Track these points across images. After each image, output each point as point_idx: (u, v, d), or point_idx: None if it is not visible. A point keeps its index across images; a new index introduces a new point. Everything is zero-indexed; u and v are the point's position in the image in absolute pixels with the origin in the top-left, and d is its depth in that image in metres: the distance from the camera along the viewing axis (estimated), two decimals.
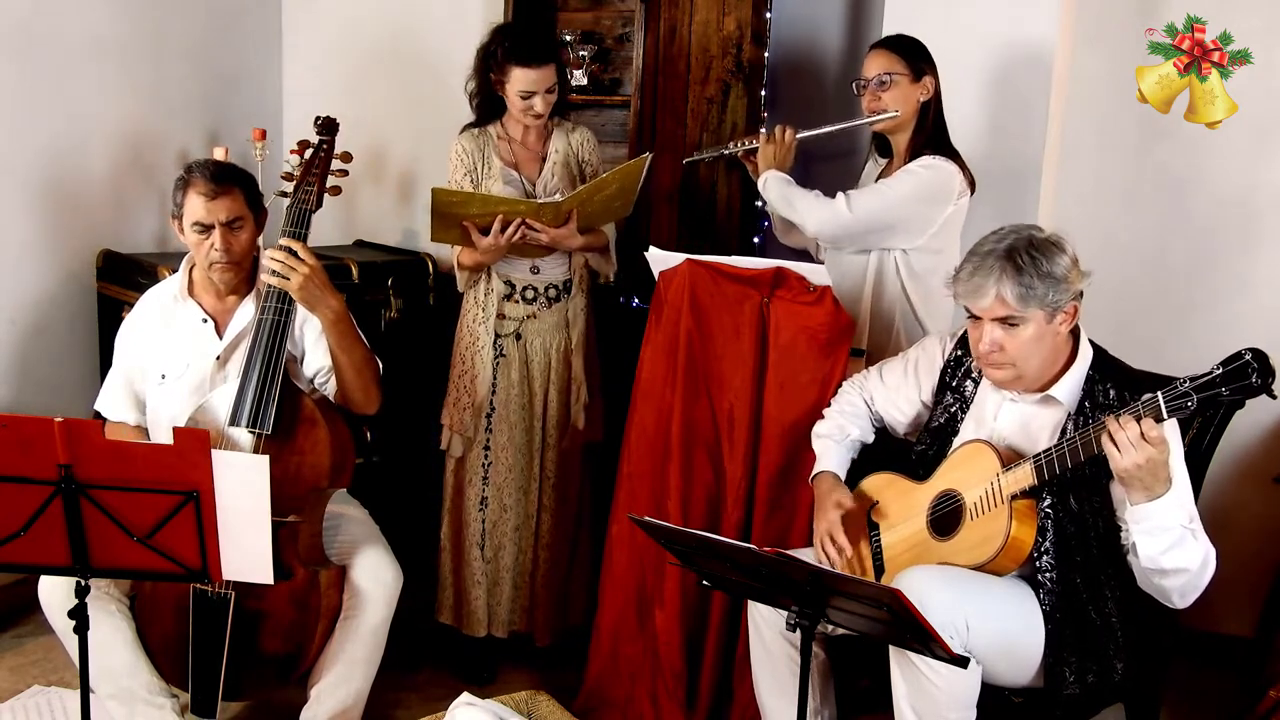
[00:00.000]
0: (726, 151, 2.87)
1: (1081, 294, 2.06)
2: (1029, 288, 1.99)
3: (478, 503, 2.91)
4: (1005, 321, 2.02)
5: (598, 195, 2.74)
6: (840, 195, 2.63)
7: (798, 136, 2.76)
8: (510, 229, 2.68)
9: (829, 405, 2.45)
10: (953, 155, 2.63)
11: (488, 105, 2.89)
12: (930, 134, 2.65)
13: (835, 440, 2.38)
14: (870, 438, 2.41)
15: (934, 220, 2.60)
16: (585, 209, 2.75)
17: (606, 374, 3.03)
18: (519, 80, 2.74)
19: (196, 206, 2.42)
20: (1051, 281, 2.00)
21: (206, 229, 2.42)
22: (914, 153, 2.64)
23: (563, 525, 2.99)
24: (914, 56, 2.64)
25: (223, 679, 2.33)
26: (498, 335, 2.87)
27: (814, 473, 2.38)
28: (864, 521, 2.30)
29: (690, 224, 3.63)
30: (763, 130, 2.82)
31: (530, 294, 2.88)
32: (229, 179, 2.45)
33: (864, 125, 2.73)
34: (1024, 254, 2.00)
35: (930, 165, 2.60)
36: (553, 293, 2.90)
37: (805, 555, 1.74)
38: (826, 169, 3.02)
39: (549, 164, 2.89)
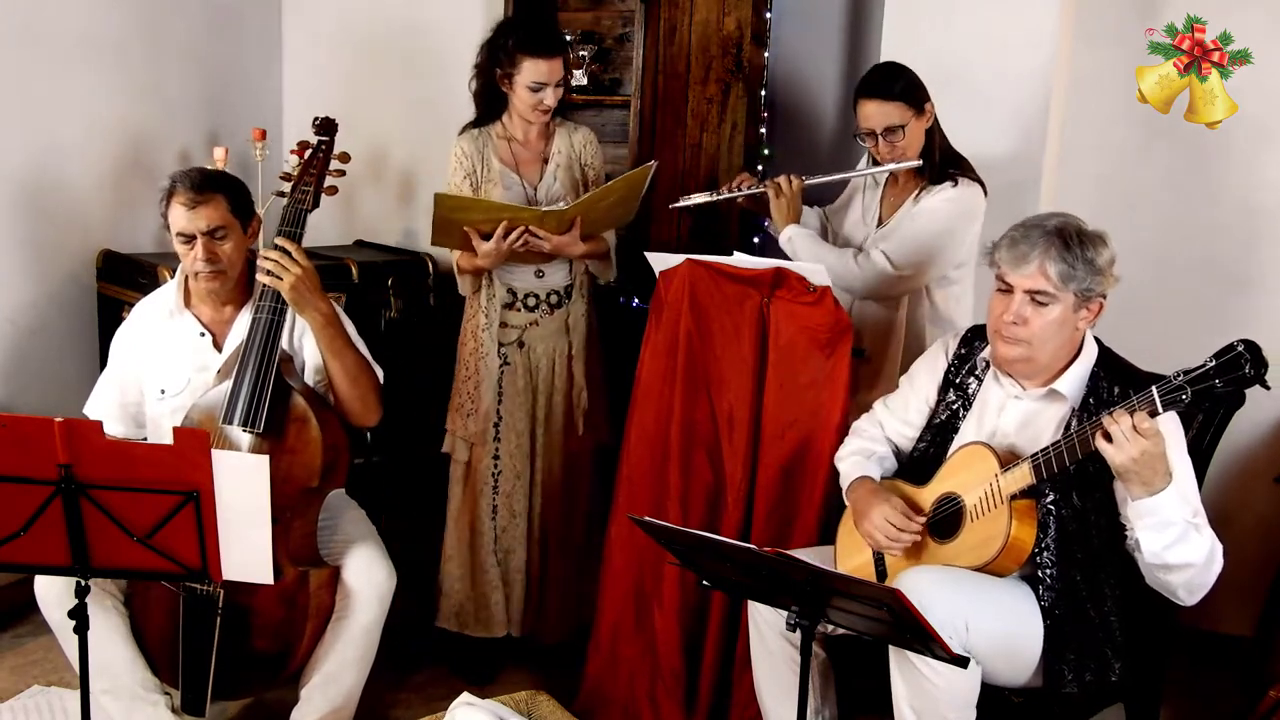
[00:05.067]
0: (722, 197, 2.77)
1: (1105, 296, 2.06)
2: (1072, 267, 2.00)
3: (489, 511, 2.90)
4: (1036, 297, 2.03)
5: (601, 203, 2.73)
6: (875, 252, 2.58)
7: (806, 184, 2.70)
8: (513, 235, 2.67)
9: (844, 445, 2.43)
10: (968, 169, 2.63)
11: (490, 104, 2.86)
12: (941, 154, 2.63)
13: (863, 456, 2.36)
14: (891, 461, 2.38)
15: (967, 241, 2.61)
16: (588, 216, 2.73)
17: (610, 375, 3.02)
18: (530, 72, 2.72)
19: (178, 216, 2.40)
20: (1092, 269, 2.01)
21: (189, 239, 2.41)
22: (933, 177, 2.61)
23: (574, 527, 2.99)
24: (912, 95, 2.57)
25: (212, 677, 2.33)
26: (501, 344, 2.87)
27: (848, 484, 2.33)
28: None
29: (690, 224, 3.63)
30: (768, 180, 2.72)
31: (532, 301, 2.88)
32: (211, 187, 2.42)
33: (879, 172, 2.68)
34: (1073, 234, 2.02)
35: (953, 198, 2.57)
36: (554, 299, 2.90)
37: (805, 555, 1.74)
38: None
39: (551, 166, 2.88)
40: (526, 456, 2.91)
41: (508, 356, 2.87)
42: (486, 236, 2.69)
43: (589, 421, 2.96)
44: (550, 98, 2.76)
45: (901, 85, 2.57)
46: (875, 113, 2.58)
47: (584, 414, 2.94)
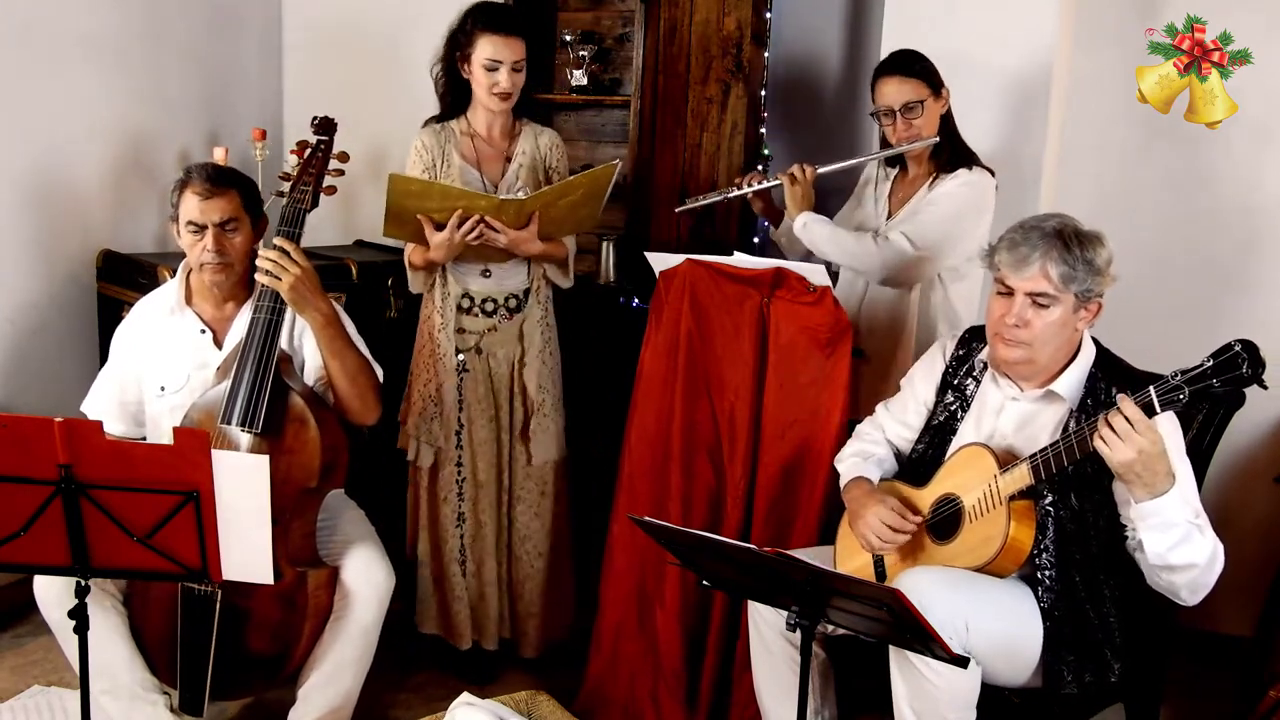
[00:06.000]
0: (730, 195, 2.77)
1: (1103, 297, 2.06)
2: (1072, 268, 2.00)
3: (454, 519, 2.84)
4: (1037, 299, 2.03)
5: (563, 200, 2.64)
6: (895, 233, 2.59)
7: (818, 172, 2.69)
8: (467, 225, 2.59)
9: (845, 446, 2.43)
10: (978, 164, 2.64)
11: (454, 95, 2.80)
12: (954, 145, 2.65)
13: (860, 458, 2.36)
14: (891, 463, 2.38)
15: (980, 231, 2.61)
16: (548, 213, 2.65)
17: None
18: (485, 48, 2.65)
19: (191, 206, 2.41)
20: (1091, 270, 2.01)
21: (200, 229, 2.41)
22: (943, 166, 2.63)
23: (541, 540, 2.91)
24: (931, 76, 2.61)
25: (210, 677, 2.33)
26: (460, 350, 2.80)
27: (844, 483, 2.34)
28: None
29: (690, 224, 3.63)
30: (780, 172, 2.72)
31: (490, 306, 2.81)
32: (226, 181, 2.45)
33: (893, 154, 2.68)
34: (1072, 235, 2.02)
35: (970, 182, 2.59)
36: (513, 303, 2.82)
37: (805, 555, 1.74)
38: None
39: (514, 166, 2.81)
40: (492, 465, 2.84)
41: (466, 363, 2.80)
42: (441, 227, 2.61)
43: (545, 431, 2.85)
44: (505, 79, 2.67)
45: (921, 66, 2.62)
46: (895, 90, 2.60)
47: (537, 424, 2.83)
